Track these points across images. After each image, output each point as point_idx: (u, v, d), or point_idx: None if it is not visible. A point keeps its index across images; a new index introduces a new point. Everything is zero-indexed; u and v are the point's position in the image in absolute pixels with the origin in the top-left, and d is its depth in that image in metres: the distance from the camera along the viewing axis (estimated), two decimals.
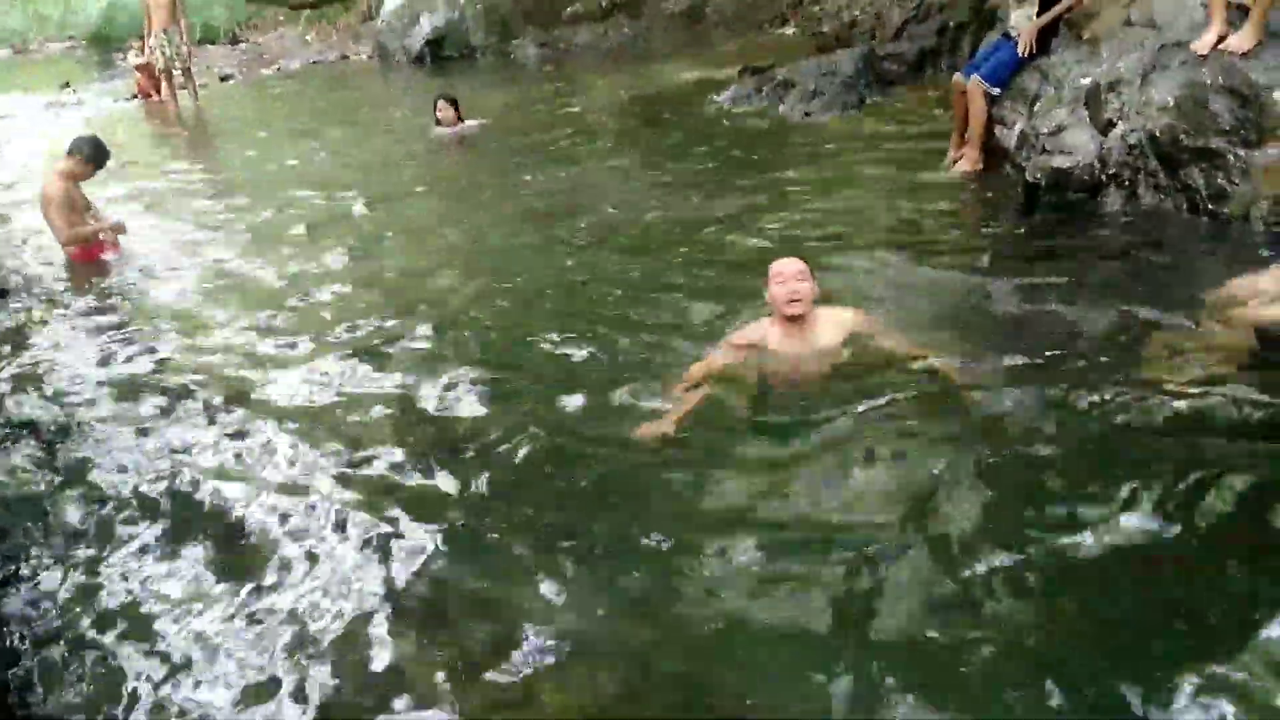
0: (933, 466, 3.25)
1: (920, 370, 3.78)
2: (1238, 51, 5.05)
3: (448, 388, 4.18)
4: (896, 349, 3.87)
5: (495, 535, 3.19)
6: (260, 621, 2.86)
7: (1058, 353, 3.89)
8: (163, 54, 12.69)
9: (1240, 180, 5.00)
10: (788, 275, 3.80)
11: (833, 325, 3.89)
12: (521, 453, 3.61)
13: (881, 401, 3.63)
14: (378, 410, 4.03)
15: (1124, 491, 2.98)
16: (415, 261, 6.00)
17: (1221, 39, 5.15)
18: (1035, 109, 6.13)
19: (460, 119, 9.37)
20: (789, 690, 2.42)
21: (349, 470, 3.61)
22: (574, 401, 3.96)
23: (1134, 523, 2.86)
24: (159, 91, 13.04)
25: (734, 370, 3.86)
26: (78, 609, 2.98)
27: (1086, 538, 2.82)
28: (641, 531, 3.09)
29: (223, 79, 16.11)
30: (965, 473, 3.19)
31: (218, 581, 3.06)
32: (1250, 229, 4.94)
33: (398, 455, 3.67)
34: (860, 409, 3.59)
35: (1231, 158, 5.03)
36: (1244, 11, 5.16)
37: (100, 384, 4.55)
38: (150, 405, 4.28)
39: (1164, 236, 5.16)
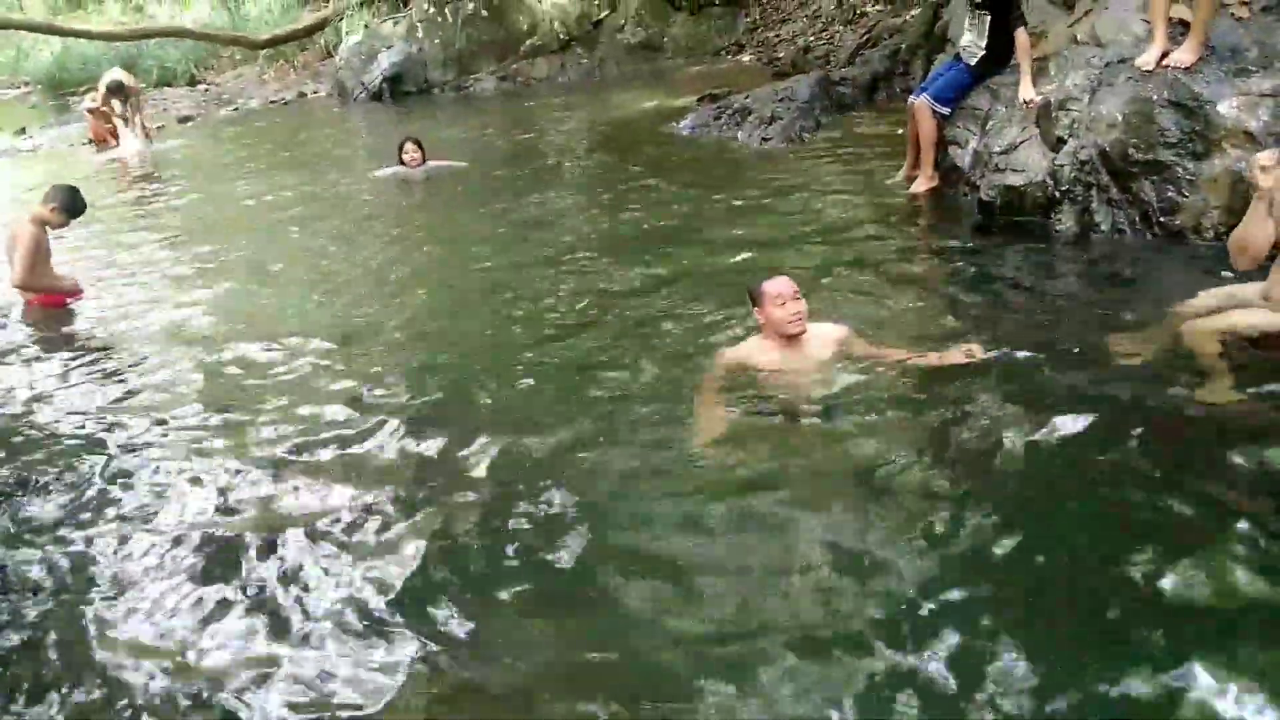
0: (919, 487, 3.26)
1: (908, 375, 3.87)
2: (1180, 66, 5.15)
3: (424, 418, 4.15)
4: (885, 357, 3.95)
5: (472, 553, 3.19)
6: (220, 652, 2.83)
7: (1022, 365, 3.94)
8: (120, 103, 12.72)
9: (1190, 192, 5.09)
10: (788, 296, 3.88)
11: (823, 341, 3.97)
12: (503, 479, 3.60)
13: (865, 418, 3.68)
14: (354, 443, 3.98)
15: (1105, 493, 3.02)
16: (382, 298, 5.92)
17: (1165, 55, 5.26)
18: (987, 128, 6.22)
19: (425, 160, 9.34)
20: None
21: (324, 495, 3.59)
22: (553, 428, 3.93)
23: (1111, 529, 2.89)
24: (115, 136, 12.93)
25: (731, 387, 3.91)
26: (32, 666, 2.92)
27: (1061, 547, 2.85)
28: (628, 552, 3.10)
29: (181, 121, 16.01)
30: (953, 493, 3.21)
31: (191, 613, 3.00)
32: (1201, 239, 5.03)
33: (375, 486, 3.63)
34: (848, 424, 3.65)
35: (1180, 170, 5.12)
36: (1185, 27, 5.27)
37: (62, 432, 4.46)
38: (120, 449, 4.19)
39: (1118, 250, 5.25)
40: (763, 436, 3.68)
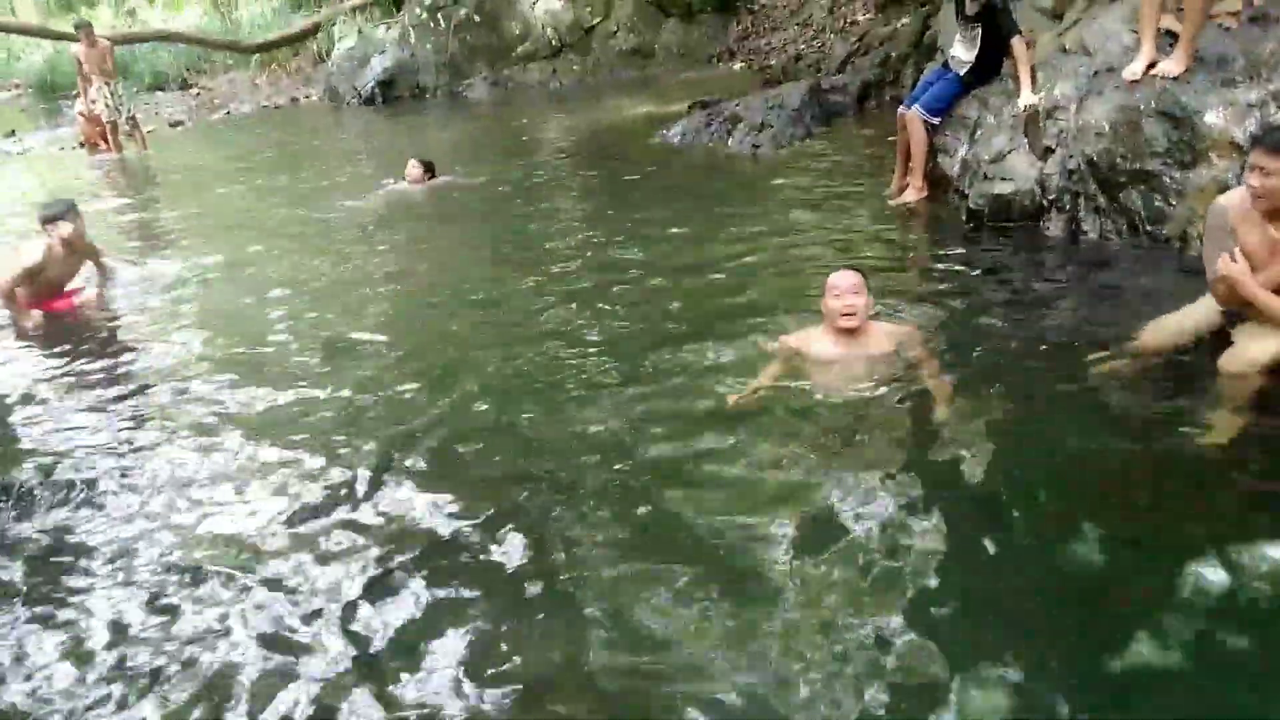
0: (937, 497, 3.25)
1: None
2: (1168, 76, 5.17)
3: (414, 428, 4.12)
4: (925, 378, 3.92)
5: (477, 556, 3.18)
6: (208, 655, 2.81)
7: (1011, 378, 3.96)
8: (106, 106, 12.61)
9: (1177, 201, 5.11)
10: (843, 289, 3.94)
11: (881, 337, 4.03)
12: (498, 490, 3.59)
13: (895, 417, 3.71)
14: (360, 456, 3.94)
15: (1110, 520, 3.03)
16: (383, 309, 5.85)
17: (1152, 64, 5.28)
18: (976, 137, 6.24)
19: (432, 177, 9.21)
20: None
21: (329, 505, 3.57)
22: (552, 438, 3.92)
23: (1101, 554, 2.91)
24: (106, 140, 12.89)
25: (782, 371, 4.01)
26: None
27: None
28: (654, 548, 3.10)
29: (172, 125, 15.99)
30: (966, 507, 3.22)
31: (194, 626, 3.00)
32: (1188, 249, 5.04)
33: (383, 497, 3.61)
34: (878, 421, 3.68)
35: (1167, 179, 5.13)
36: (1173, 37, 5.30)
37: (66, 438, 4.42)
38: (125, 455, 4.15)
39: (1106, 259, 5.26)
40: (794, 427, 3.70)
